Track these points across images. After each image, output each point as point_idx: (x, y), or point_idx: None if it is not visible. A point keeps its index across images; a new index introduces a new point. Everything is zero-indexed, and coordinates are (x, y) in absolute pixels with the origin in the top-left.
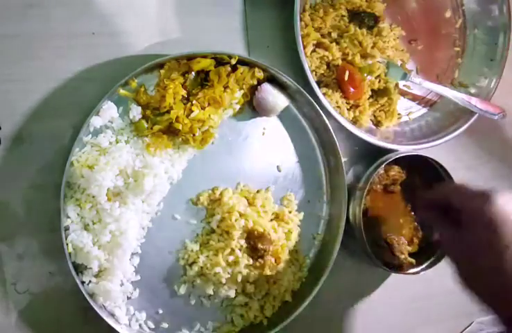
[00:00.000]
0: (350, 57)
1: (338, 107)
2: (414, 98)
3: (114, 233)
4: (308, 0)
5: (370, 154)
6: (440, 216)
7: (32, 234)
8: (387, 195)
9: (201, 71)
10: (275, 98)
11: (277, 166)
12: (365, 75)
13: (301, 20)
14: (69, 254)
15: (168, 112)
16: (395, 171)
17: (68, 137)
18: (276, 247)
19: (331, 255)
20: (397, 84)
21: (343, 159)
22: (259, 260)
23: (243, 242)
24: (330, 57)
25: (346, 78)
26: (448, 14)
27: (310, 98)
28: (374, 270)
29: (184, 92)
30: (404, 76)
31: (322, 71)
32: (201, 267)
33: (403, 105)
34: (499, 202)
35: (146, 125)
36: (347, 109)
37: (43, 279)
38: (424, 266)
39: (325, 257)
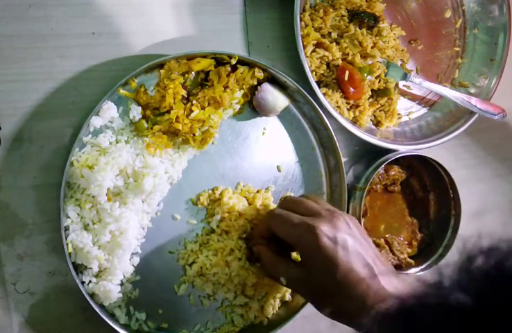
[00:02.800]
0: (350, 57)
1: (338, 107)
2: (414, 98)
3: (114, 233)
4: (308, 0)
5: (370, 154)
6: (276, 255)
7: (32, 234)
8: (387, 195)
9: (201, 71)
10: (275, 98)
11: (277, 166)
12: (365, 75)
13: (301, 20)
14: (69, 254)
15: (168, 112)
16: (395, 171)
17: (68, 137)
18: None
19: None
20: (397, 84)
21: (343, 159)
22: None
23: (242, 242)
24: (330, 57)
25: (346, 78)
26: (448, 14)
27: (310, 98)
28: None
29: (184, 92)
30: (404, 76)
31: (322, 71)
32: (201, 267)
33: (403, 105)
34: (326, 233)
35: (146, 125)
36: (347, 109)
37: (43, 279)
38: (423, 266)
39: None
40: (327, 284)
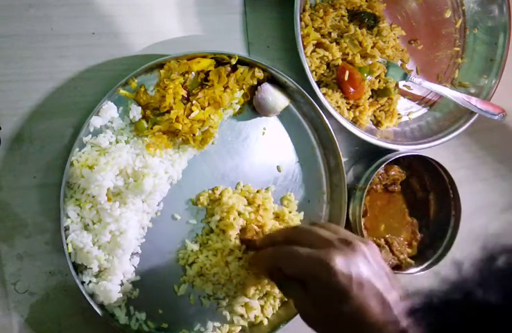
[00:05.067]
0: (350, 57)
1: (338, 107)
2: (414, 98)
3: (114, 233)
4: (308, 0)
5: (370, 154)
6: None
7: (32, 234)
8: (387, 195)
9: (201, 71)
10: (275, 98)
11: (277, 166)
12: (365, 75)
13: (301, 20)
14: (69, 254)
15: (168, 112)
16: (395, 171)
17: (68, 137)
18: None
19: None
20: (397, 84)
21: (343, 159)
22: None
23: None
24: (330, 57)
25: (346, 78)
26: (448, 14)
27: (310, 98)
28: None
29: (184, 92)
30: (404, 76)
31: (322, 71)
32: (201, 267)
33: (403, 105)
34: (341, 269)
35: (146, 125)
36: (347, 109)
37: (43, 279)
38: (423, 266)
39: None
40: (334, 317)
